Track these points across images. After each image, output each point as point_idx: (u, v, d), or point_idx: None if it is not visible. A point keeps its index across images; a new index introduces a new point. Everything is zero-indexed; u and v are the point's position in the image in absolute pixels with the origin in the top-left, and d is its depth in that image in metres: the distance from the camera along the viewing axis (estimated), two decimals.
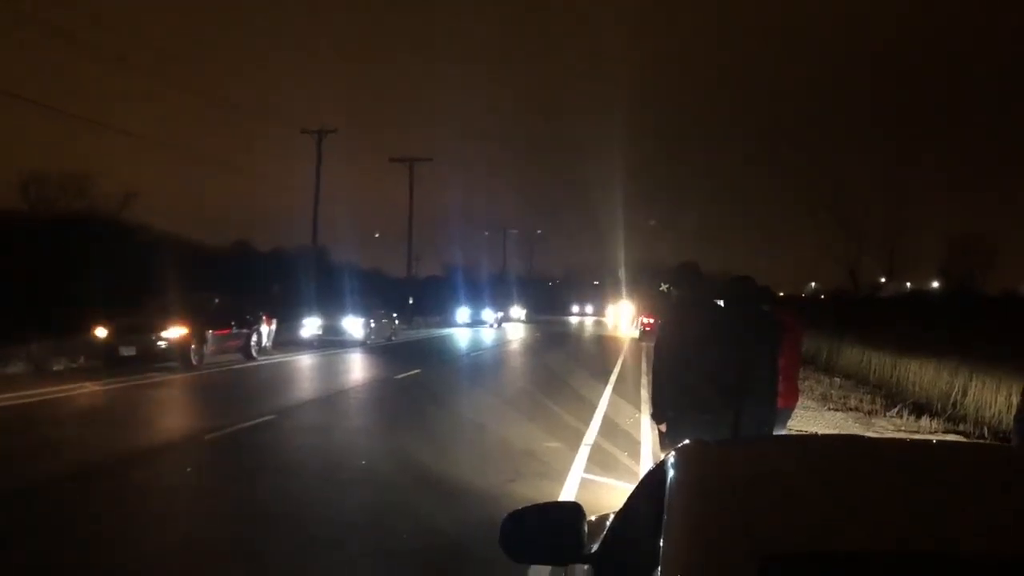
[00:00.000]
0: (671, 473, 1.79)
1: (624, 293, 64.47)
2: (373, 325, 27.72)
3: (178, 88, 67.91)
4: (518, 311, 64.46)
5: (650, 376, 6.53)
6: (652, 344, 6.06)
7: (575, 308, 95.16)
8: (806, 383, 16.27)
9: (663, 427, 4.81)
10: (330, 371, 18.74)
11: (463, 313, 50.08)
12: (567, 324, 62.41)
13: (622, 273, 67.03)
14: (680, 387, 4.61)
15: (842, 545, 1.37)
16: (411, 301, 43.79)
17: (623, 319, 56.48)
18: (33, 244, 21.75)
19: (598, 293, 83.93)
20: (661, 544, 1.47)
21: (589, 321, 72.11)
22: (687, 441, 2.20)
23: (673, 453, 2.02)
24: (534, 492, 7.08)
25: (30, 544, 5.54)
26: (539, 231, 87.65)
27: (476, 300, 52.72)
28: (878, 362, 18.03)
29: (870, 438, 2.31)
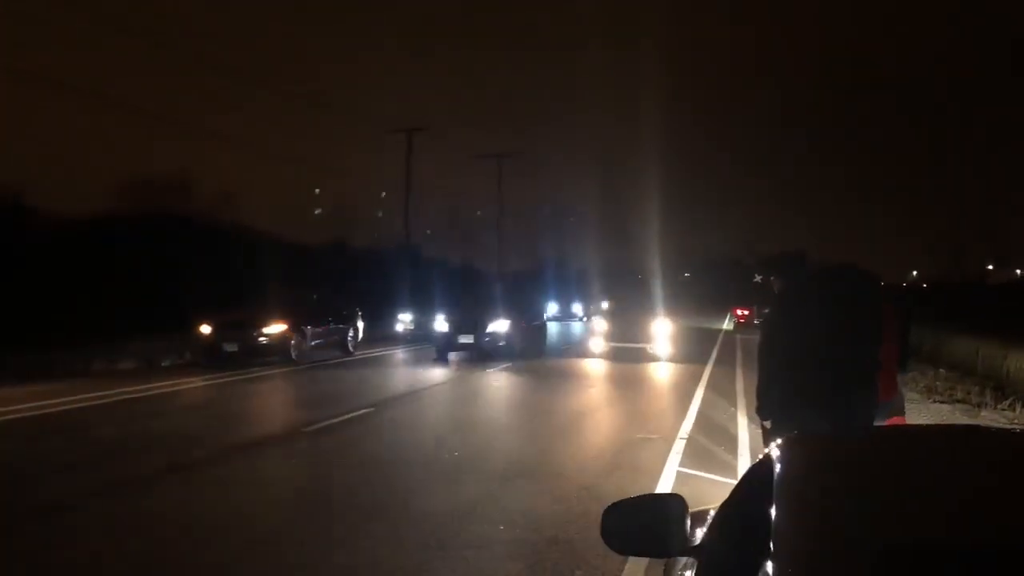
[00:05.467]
0: (779, 466, 1.77)
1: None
2: None
3: (271, 89, 70.04)
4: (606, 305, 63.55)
5: (748, 369, 6.41)
6: (744, 336, 5.94)
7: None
8: (909, 375, 15.71)
9: (768, 423, 4.69)
10: (424, 364, 18.97)
11: (552, 307, 50.06)
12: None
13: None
14: (787, 381, 4.47)
15: (964, 539, 1.34)
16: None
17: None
18: (138, 246, 22.72)
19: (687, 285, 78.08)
20: (772, 537, 1.46)
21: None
22: (793, 434, 2.16)
23: (778, 445, 1.99)
24: (630, 484, 7.06)
25: (141, 532, 5.83)
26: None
27: (565, 294, 52.53)
28: (986, 352, 17.24)
29: (990, 429, 2.21)
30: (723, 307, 48.91)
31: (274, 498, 6.91)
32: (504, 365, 18.15)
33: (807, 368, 4.36)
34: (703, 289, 69.48)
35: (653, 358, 19.34)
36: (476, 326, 19.59)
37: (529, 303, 25.02)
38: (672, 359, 19.35)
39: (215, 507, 6.51)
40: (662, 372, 17.63)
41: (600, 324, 21.35)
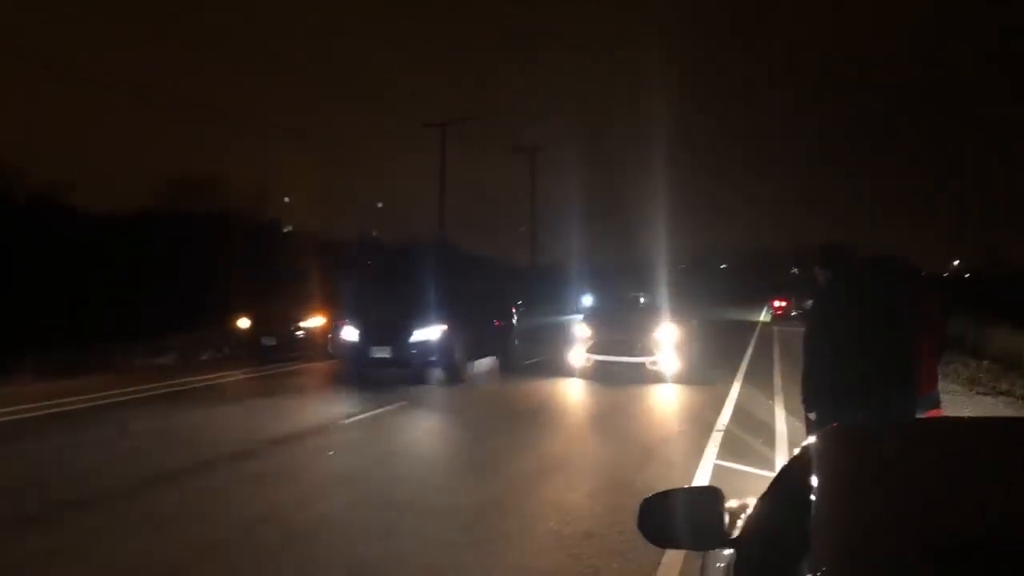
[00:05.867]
0: (818, 459, 1.75)
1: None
2: None
3: (301, 84, 70.55)
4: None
5: (787, 363, 6.33)
6: (782, 328, 5.89)
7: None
8: (951, 367, 15.47)
9: (813, 415, 4.67)
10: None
11: (586, 301, 49.94)
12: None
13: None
14: (832, 374, 4.44)
15: (1009, 535, 1.31)
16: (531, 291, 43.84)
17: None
18: (177, 241, 23.02)
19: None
20: (811, 531, 1.44)
21: None
22: (833, 426, 2.14)
23: (817, 438, 1.96)
24: (666, 477, 7.02)
25: (178, 525, 5.92)
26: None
27: (599, 287, 52.26)
28: None
29: None
30: (760, 298, 48.48)
31: (309, 492, 6.96)
32: (539, 358, 17.88)
33: (851, 360, 4.32)
34: (740, 280, 68.98)
35: (655, 378, 14.30)
36: (396, 333, 14.17)
37: (489, 298, 17.95)
38: (680, 379, 14.20)
39: (250, 501, 6.58)
40: (659, 406, 12.07)
41: (581, 329, 15.25)
